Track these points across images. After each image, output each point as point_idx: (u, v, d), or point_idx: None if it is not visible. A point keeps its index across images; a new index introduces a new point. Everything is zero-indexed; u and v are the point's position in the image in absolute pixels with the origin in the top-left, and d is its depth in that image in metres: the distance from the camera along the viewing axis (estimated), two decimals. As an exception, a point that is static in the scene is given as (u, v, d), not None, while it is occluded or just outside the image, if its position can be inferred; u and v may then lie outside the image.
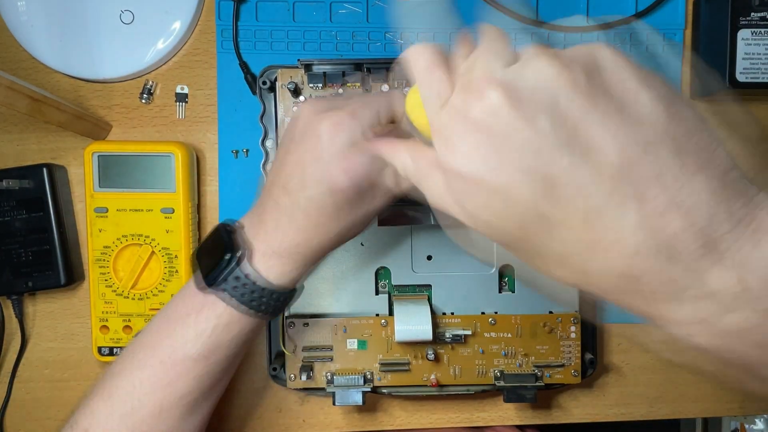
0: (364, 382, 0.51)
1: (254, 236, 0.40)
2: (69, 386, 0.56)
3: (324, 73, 0.49)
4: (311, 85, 0.50)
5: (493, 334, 0.52)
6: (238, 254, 0.39)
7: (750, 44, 0.50)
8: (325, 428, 0.57)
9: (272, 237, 0.39)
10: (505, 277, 0.53)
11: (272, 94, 0.51)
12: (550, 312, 0.52)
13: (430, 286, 0.53)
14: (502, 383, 0.51)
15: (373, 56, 0.54)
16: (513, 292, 0.53)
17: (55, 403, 0.56)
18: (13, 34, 0.53)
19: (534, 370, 0.52)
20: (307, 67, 0.50)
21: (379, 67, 0.49)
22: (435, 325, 0.51)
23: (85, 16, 0.53)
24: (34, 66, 0.55)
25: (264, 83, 0.51)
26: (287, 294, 0.41)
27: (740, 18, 0.50)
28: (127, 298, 0.53)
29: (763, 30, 0.50)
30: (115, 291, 0.53)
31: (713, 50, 0.52)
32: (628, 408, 0.57)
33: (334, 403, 0.51)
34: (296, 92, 0.50)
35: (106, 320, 0.53)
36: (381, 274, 0.53)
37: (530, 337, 0.52)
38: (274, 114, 0.52)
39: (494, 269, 0.52)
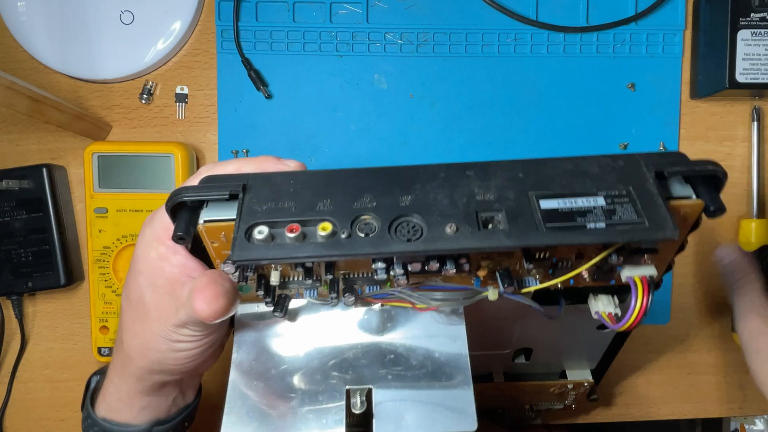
0: None
1: (104, 381, 0.39)
2: (69, 386, 0.56)
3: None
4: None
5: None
6: (87, 404, 0.39)
7: (750, 45, 0.50)
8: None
9: (110, 369, 0.38)
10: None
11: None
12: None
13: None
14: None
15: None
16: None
17: (54, 403, 0.56)
18: (13, 34, 0.53)
19: (532, 414, 0.51)
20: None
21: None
22: None
23: (85, 16, 0.53)
24: (34, 66, 0.55)
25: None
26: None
27: (740, 18, 0.50)
28: (127, 298, 0.53)
29: (762, 30, 0.50)
30: (114, 291, 0.53)
31: (713, 51, 0.52)
32: (628, 408, 0.57)
33: None
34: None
35: (106, 320, 0.53)
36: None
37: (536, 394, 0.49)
38: None
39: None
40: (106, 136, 0.55)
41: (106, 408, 0.39)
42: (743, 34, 0.50)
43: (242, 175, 0.30)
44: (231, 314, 0.31)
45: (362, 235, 0.27)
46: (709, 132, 0.55)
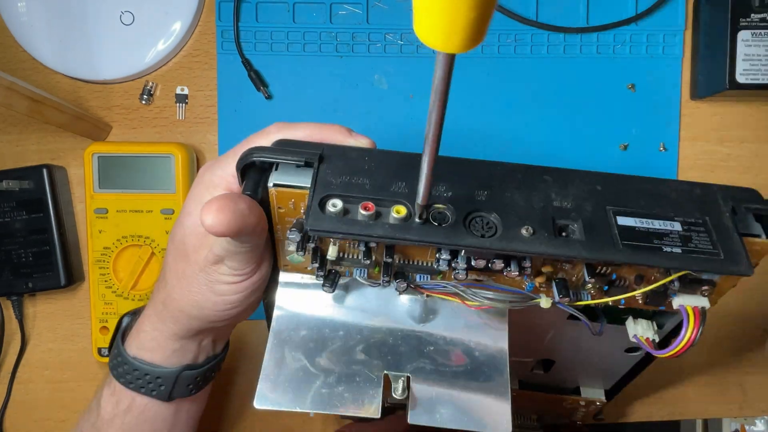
0: None
1: (139, 320, 0.40)
2: (69, 387, 0.56)
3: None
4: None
5: None
6: (118, 341, 0.40)
7: (750, 45, 0.50)
8: (328, 425, 0.57)
9: (149, 309, 0.39)
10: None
11: None
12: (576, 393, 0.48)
13: None
14: None
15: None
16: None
17: (54, 403, 0.56)
18: (13, 34, 0.53)
19: (536, 425, 0.51)
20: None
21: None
22: None
23: (85, 16, 0.53)
24: (34, 66, 0.55)
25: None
26: (165, 374, 0.39)
27: (740, 19, 0.50)
28: (127, 299, 0.53)
29: (763, 31, 0.50)
30: (115, 292, 0.53)
31: (713, 51, 0.52)
32: (628, 408, 0.57)
33: None
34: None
35: (106, 321, 0.53)
36: None
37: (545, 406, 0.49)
38: None
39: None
40: (106, 136, 0.55)
41: (138, 347, 0.39)
42: (743, 35, 0.50)
43: (318, 145, 0.30)
44: (237, 232, 0.29)
45: (436, 223, 0.27)
46: (710, 133, 0.55)
